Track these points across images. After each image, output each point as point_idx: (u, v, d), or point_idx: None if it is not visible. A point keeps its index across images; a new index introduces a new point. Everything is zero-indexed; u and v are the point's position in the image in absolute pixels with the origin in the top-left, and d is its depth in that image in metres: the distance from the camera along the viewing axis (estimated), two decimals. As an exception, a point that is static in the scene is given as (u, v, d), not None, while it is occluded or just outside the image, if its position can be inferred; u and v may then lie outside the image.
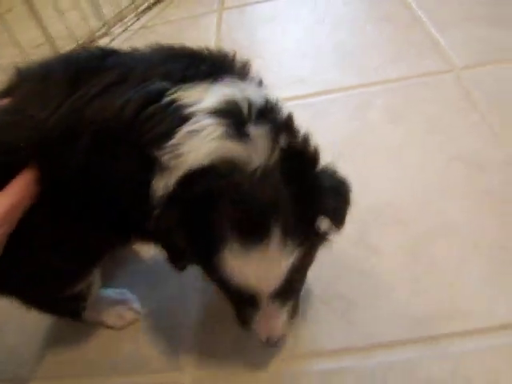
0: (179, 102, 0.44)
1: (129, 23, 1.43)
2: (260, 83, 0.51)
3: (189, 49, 0.52)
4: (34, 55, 1.14)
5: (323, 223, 0.46)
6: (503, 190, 0.73)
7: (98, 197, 0.48)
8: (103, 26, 1.34)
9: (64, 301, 0.60)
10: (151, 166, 0.44)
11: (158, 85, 0.45)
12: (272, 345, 0.51)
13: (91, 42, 1.30)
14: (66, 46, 1.25)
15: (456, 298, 0.62)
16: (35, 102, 0.47)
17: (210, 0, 1.50)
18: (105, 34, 1.36)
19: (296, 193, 0.43)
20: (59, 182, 0.47)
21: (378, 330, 0.60)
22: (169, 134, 0.43)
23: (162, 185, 0.44)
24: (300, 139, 0.47)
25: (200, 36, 1.32)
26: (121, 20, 1.41)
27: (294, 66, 1.11)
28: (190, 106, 0.44)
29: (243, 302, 0.49)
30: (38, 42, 1.23)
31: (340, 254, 0.68)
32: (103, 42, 1.33)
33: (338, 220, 0.46)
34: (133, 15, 1.45)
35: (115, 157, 0.46)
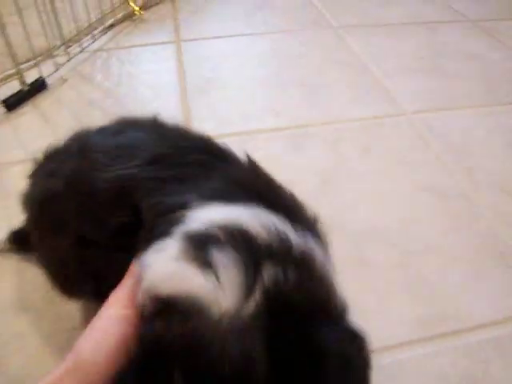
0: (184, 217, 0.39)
1: (84, 44, 1.41)
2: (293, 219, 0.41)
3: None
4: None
5: None
6: (468, 213, 0.87)
7: None
8: (62, 44, 1.31)
9: None
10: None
11: (184, 196, 0.42)
12: None
13: (49, 57, 1.26)
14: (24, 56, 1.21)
15: (442, 303, 0.73)
16: None
17: (165, 30, 1.54)
18: (63, 53, 1.32)
19: (283, 361, 0.30)
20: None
21: (383, 334, 0.68)
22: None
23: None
24: (296, 273, 0.34)
25: (161, 66, 1.34)
26: (78, 41, 1.38)
27: (261, 99, 1.18)
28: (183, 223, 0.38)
29: None
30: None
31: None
32: (61, 60, 1.29)
33: None
34: (89, 37, 1.43)
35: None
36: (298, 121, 1.11)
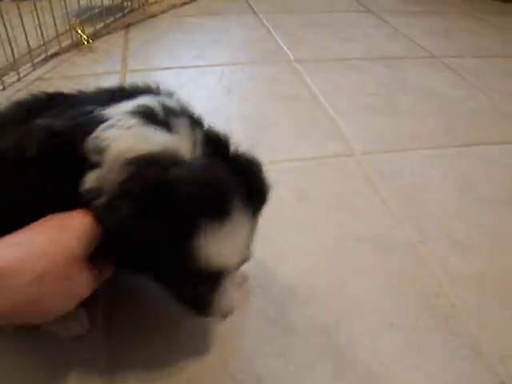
0: (101, 113, 0.49)
1: (22, 74, 1.32)
2: (171, 94, 0.58)
3: (123, 86, 0.60)
4: None
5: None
6: (411, 271, 0.77)
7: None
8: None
9: None
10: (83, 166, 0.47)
11: (89, 107, 0.51)
12: (228, 314, 0.53)
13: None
14: None
15: (372, 377, 0.61)
16: None
17: (113, 60, 1.46)
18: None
19: (232, 172, 0.48)
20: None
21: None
22: (90, 132, 0.47)
23: (93, 177, 0.46)
24: (208, 127, 0.54)
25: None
26: (14, 69, 1.29)
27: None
28: (109, 114, 0.49)
29: (203, 287, 0.49)
30: None
31: (259, 331, 0.65)
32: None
33: (265, 196, 0.53)
34: (28, 65, 1.34)
35: (58, 166, 0.48)
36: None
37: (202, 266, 0.45)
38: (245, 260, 0.52)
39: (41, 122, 0.49)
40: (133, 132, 0.47)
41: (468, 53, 1.67)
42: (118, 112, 0.49)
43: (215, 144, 0.51)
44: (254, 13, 1.93)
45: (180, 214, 0.44)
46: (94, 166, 0.46)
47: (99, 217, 0.46)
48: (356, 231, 0.84)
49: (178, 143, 0.47)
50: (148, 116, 0.49)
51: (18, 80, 1.31)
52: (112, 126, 0.47)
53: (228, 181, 0.47)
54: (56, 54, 1.46)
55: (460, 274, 0.77)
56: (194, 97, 1.23)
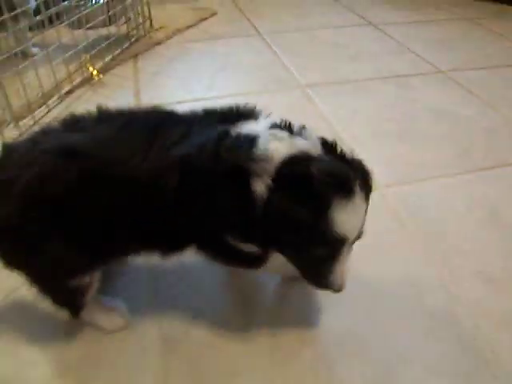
0: (243, 132, 0.61)
1: (37, 116, 1.33)
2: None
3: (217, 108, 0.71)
4: None
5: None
6: (445, 310, 0.79)
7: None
8: (11, 120, 1.23)
9: (67, 291, 0.69)
10: (245, 181, 0.58)
11: (222, 127, 0.63)
12: (342, 288, 0.63)
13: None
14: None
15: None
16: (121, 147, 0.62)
17: (125, 95, 1.47)
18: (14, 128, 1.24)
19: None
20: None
21: None
22: (251, 149, 0.59)
23: (263, 185, 0.57)
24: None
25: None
26: (30, 112, 1.30)
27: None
28: (252, 132, 0.61)
29: (322, 260, 0.61)
30: None
31: None
32: (12, 135, 1.21)
33: (371, 188, 0.63)
34: (43, 107, 1.36)
35: (202, 184, 0.60)
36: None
37: (334, 231, 0.57)
38: (359, 236, 0.62)
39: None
40: (285, 142, 0.59)
41: (473, 64, 1.69)
42: (261, 129, 0.61)
43: (329, 147, 0.62)
44: (259, 33, 1.94)
45: (321, 194, 0.56)
46: (260, 173, 0.57)
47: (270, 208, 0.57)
48: (388, 271, 0.86)
49: (311, 146, 0.60)
50: (287, 129, 0.62)
51: (34, 123, 1.33)
52: (272, 140, 0.59)
53: (350, 171, 0.58)
54: (68, 93, 1.47)
55: (496, 312, 0.80)
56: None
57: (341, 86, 1.52)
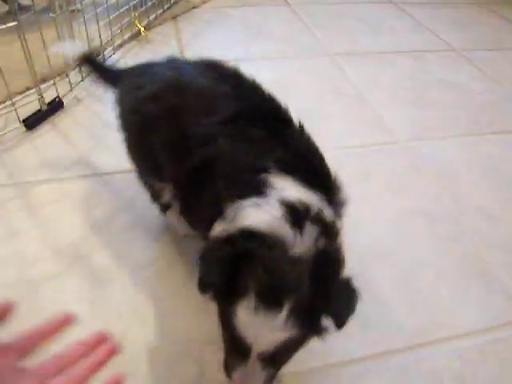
0: (269, 181, 0.60)
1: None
2: (331, 200, 0.63)
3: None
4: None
5: (326, 321, 0.55)
6: (454, 237, 0.98)
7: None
8: (76, 65, 1.38)
9: (153, 191, 0.87)
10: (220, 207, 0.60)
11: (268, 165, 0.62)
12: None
13: (64, 77, 1.33)
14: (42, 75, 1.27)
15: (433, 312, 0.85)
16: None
17: (171, 51, 1.61)
18: (77, 73, 1.39)
19: (316, 288, 0.52)
20: None
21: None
22: (243, 197, 0.59)
23: (220, 228, 0.59)
24: (336, 246, 0.60)
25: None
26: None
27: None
28: (273, 189, 0.60)
29: (236, 352, 0.56)
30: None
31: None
32: (75, 80, 1.36)
33: (340, 324, 0.53)
34: (100, 57, 1.51)
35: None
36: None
37: (234, 330, 0.53)
38: (277, 363, 0.57)
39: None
40: (271, 220, 0.58)
41: (483, 45, 1.87)
42: (278, 196, 0.60)
43: (328, 260, 0.56)
44: (288, 4, 2.09)
45: (240, 278, 0.52)
46: (225, 218, 0.61)
47: None
48: (409, 206, 1.06)
49: (297, 240, 0.56)
50: (296, 214, 0.58)
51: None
52: (260, 208, 0.59)
53: (296, 287, 0.51)
54: (120, 46, 1.62)
55: (493, 236, 1.00)
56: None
57: (364, 57, 1.69)
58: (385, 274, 0.90)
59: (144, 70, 0.84)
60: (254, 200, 0.58)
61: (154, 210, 0.93)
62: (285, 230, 0.54)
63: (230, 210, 0.59)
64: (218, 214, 0.60)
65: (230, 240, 0.55)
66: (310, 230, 0.55)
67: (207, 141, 0.66)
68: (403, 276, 0.90)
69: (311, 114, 1.33)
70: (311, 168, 0.64)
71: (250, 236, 0.54)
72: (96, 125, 1.26)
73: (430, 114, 1.39)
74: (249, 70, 1.52)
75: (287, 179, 0.60)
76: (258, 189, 0.59)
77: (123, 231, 0.95)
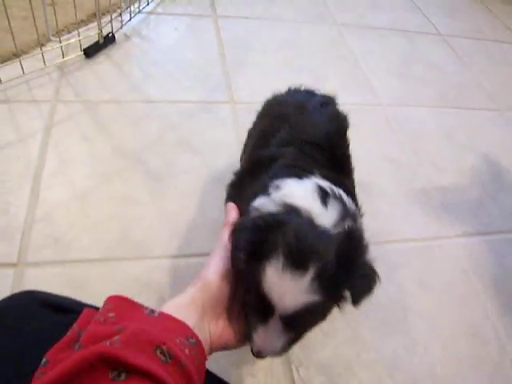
0: (309, 174, 0.69)
1: (141, 6, 1.73)
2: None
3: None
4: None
5: (346, 294, 0.56)
6: (413, 179, 1.35)
7: None
8: (128, 6, 1.64)
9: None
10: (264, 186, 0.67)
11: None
12: (258, 356, 0.58)
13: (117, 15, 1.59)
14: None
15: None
16: None
17: (202, 5, 1.88)
18: (127, 12, 1.65)
19: (341, 261, 0.53)
20: None
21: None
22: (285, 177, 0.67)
23: (261, 200, 0.64)
24: (361, 229, 0.65)
25: (204, 38, 1.71)
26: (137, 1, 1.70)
27: (283, 80, 1.58)
28: (311, 176, 0.68)
29: (258, 314, 0.56)
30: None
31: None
32: (125, 18, 1.63)
33: (358, 300, 0.55)
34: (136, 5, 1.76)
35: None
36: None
37: (259, 289, 0.54)
38: (300, 327, 0.58)
39: None
40: (305, 196, 0.62)
41: (466, 34, 2.18)
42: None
43: (353, 240, 0.57)
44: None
45: (271, 242, 0.54)
46: (267, 194, 0.65)
47: None
48: (381, 153, 1.41)
49: (324, 216, 0.59)
50: (323, 194, 0.63)
51: (139, 12, 1.73)
52: (298, 188, 0.65)
53: (322, 256, 0.53)
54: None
55: (438, 182, 1.37)
56: (269, 48, 1.71)
57: (365, 30, 1.99)
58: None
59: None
60: (293, 179, 0.66)
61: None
62: (317, 206, 0.59)
63: (272, 186, 0.66)
64: (264, 188, 0.67)
65: (266, 211, 0.60)
66: (339, 211, 0.60)
67: (281, 145, 0.80)
68: (369, 201, 1.26)
69: (313, 70, 1.66)
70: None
71: (285, 208, 0.59)
72: (142, 60, 1.55)
73: (410, 86, 1.73)
74: (269, 29, 1.81)
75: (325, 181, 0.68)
76: (299, 175, 0.68)
77: (173, 146, 1.28)
